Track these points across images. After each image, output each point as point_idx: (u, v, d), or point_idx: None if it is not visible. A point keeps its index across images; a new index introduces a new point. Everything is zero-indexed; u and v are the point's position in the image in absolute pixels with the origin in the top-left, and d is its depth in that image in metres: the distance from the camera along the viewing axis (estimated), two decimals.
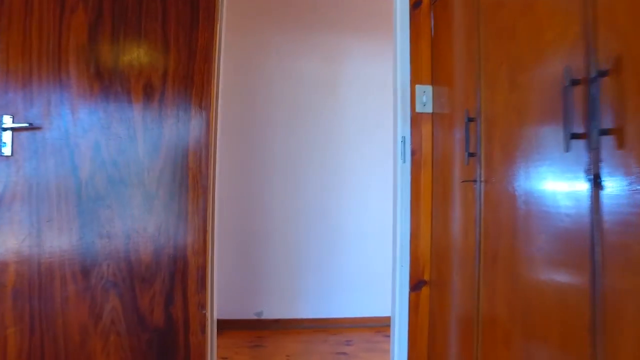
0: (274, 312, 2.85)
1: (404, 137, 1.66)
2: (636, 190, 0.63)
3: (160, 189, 1.53)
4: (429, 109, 1.65)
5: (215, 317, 1.67)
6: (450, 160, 1.46)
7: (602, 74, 0.70)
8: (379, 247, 2.86)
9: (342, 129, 2.97)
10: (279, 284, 2.87)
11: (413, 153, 1.64)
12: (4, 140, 1.42)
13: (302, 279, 2.89)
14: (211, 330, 1.61)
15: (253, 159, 2.94)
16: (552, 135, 0.86)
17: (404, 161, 1.65)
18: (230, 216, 2.85)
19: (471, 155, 1.24)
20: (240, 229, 2.90)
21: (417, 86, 1.65)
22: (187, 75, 1.54)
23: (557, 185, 0.85)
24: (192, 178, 1.57)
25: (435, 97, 1.64)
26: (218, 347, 1.71)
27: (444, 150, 1.53)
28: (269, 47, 2.97)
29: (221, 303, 2.63)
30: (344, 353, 2.38)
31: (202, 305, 1.54)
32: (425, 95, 1.65)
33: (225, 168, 2.92)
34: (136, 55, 1.52)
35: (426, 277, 1.63)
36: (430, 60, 1.67)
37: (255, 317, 2.84)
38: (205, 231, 1.59)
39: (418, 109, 1.65)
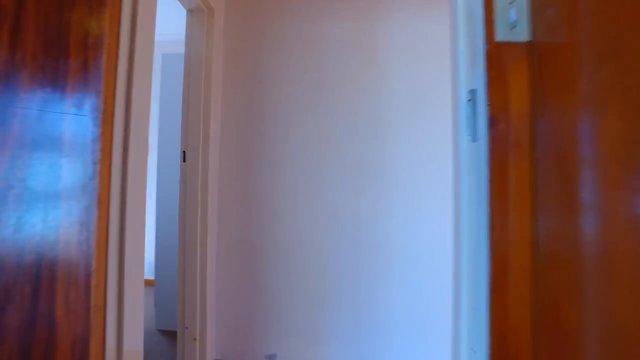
0: (291, 356, 2.13)
1: (472, 92, 0.86)
2: None
3: None
4: (522, 33, 0.83)
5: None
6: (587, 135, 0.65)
7: None
8: (436, 271, 2.05)
9: (381, 109, 2.18)
10: (297, 320, 2.15)
11: (493, 122, 0.84)
12: None
13: (327, 314, 2.15)
14: None
15: (261, 151, 2.24)
16: None
17: (474, 138, 0.86)
18: (232, 228, 2.18)
19: None
20: (246, 245, 2.22)
21: None
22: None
23: None
24: None
25: (538, 9, 0.82)
26: None
27: (567, 115, 0.72)
28: (282, 5, 2.26)
29: (222, 340, 1.97)
30: None
31: None
32: (516, 6, 0.83)
33: (225, 165, 2.25)
34: None
35: None
36: None
37: None
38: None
39: (500, 35, 0.84)
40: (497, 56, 0.86)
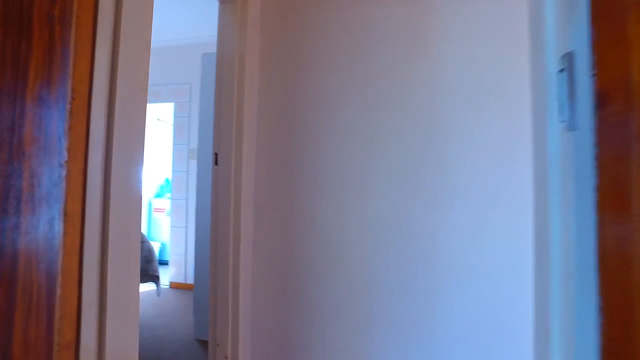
0: None
1: (567, 57, 0.58)
2: None
3: None
4: None
5: None
6: None
7: None
8: (504, 293, 1.73)
9: (437, 104, 1.89)
10: (340, 341, 1.92)
11: (603, 100, 0.55)
12: None
13: (374, 335, 1.88)
14: None
15: (301, 153, 2.03)
16: None
17: (571, 125, 0.57)
18: (270, 237, 1.99)
19: None
20: (284, 257, 2.02)
21: None
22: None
23: None
24: None
25: None
26: None
27: None
28: None
29: None
30: None
31: None
32: None
33: (261, 169, 2.05)
34: None
35: None
36: None
37: None
38: None
39: None
40: (607, 4, 0.57)
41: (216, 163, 1.96)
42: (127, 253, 0.87)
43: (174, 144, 4.49)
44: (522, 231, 1.75)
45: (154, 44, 4.31)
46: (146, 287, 3.86)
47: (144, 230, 5.92)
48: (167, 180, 6.01)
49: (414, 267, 1.87)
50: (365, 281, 1.92)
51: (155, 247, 5.60)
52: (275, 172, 2.06)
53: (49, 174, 0.68)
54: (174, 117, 4.49)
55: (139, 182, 0.93)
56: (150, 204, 6.07)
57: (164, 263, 5.46)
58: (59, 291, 0.69)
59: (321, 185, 1.99)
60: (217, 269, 1.91)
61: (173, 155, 4.49)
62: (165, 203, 5.87)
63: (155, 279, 3.07)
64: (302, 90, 2.05)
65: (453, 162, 1.86)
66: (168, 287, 4.38)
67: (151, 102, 4.52)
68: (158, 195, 6.06)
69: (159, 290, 3.07)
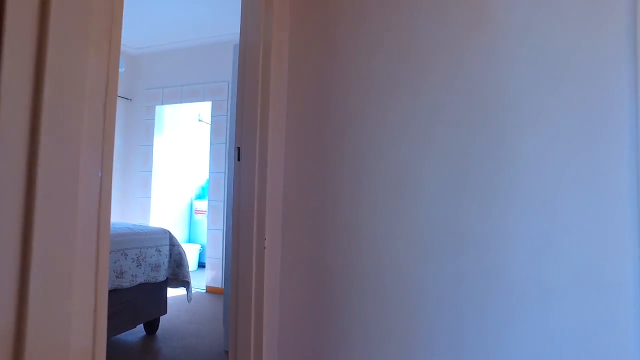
0: None
1: None
2: None
3: None
4: None
5: None
6: None
7: None
8: (588, 318, 1.37)
9: (498, 86, 1.56)
10: None
11: None
12: None
13: None
14: None
15: (335, 149, 1.77)
16: None
17: None
18: (299, 244, 1.74)
19: None
20: (316, 267, 1.76)
21: None
22: None
23: None
24: None
25: None
26: None
27: None
28: None
29: None
30: None
31: None
32: None
33: (291, 166, 1.80)
34: None
35: None
36: None
37: None
38: None
39: None
40: None
41: (238, 158, 1.73)
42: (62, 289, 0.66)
43: (211, 143, 4.38)
44: (616, 242, 1.37)
45: (191, 42, 4.24)
46: (177, 292, 3.74)
47: (184, 233, 5.90)
48: (207, 181, 5.96)
49: (469, 282, 1.54)
50: (411, 296, 1.62)
51: (195, 249, 5.55)
52: (307, 170, 1.81)
53: None
54: (211, 116, 4.38)
55: (94, 189, 0.72)
56: (191, 206, 6.05)
57: (203, 266, 5.38)
58: None
59: (360, 185, 1.71)
60: (239, 277, 1.68)
61: (210, 156, 4.38)
62: (206, 205, 5.81)
63: (185, 284, 2.91)
64: (338, 76, 1.78)
65: (520, 158, 1.51)
66: (204, 291, 4.26)
67: (190, 101, 4.44)
68: (199, 197, 6.02)
69: (189, 296, 2.91)
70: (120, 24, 0.92)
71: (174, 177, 5.54)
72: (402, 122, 1.67)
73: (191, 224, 6.08)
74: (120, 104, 4.64)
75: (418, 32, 1.67)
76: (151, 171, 4.60)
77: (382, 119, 1.70)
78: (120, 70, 3.15)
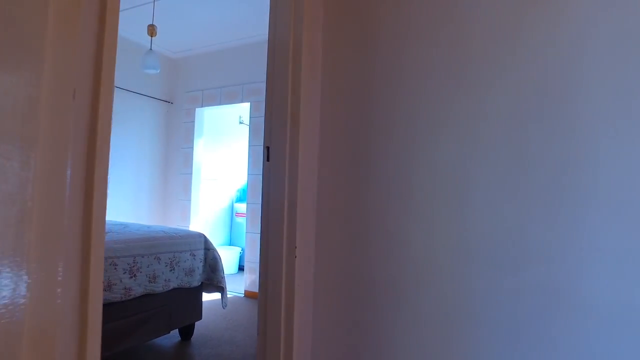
0: None
1: None
2: None
3: None
4: None
5: None
6: None
7: None
8: None
9: (568, 74, 1.32)
10: None
11: None
12: None
13: None
14: None
15: (376, 149, 1.60)
16: None
17: None
18: (335, 255, 1.58)
19: None
20: (354, 280, 1.59)
21: None
22: None
23: None
24: None
25: None
26: None
27: None
28: None
29: None
30: None
31: None
32: None
33: (326, 168, 1.65)
34: None
35: None
36: None
37: None
38: None
39: None
40: None
41: (267, 159, 1.59)
42: None
43: (250, 145, 4.32)
44: None
45: (228, 43, 4.17)
46: (214, 296, 3.68)
47: (225, 235, 5.90)
48: (246, 183, 5.94)
49: (531, 302, 1.31)
50: (459, 316, 1.40)
51: (236, 252, 5.52)
52: (344, 172, 1.64)
53: None
54: (250, 117, 4.31)
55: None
56: (232, 208, 6.05)
57: (244, 269, 5.34)
58: None
59: (404, 189, 1.52)
60: (267, 290, 1.54)
61: (249, 157, 4.31)
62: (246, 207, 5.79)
63: (220, 289, 2.83)
64: (378, 70, 1.60)
65: (590, 156, 1.26)
66: (243, 295, 4.19)
67: (229, 103, 4.41)
68: (240, 200, 6.01)
69: (224, 302, 2.83)
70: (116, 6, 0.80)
71: (214, 179, 5.55)
72: (453, 118, 1.46)
73: (232, 226, 6.08)
74: (161, 107, 4.69)
75: (468, 16, 1.46)
76: (191, 174, 4.61)
77: (426, 116, 1.50)
78: (155, 71, 3.13)
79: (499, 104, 1.39)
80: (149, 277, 2.31)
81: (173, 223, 4.66)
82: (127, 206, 4.31)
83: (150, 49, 3.09)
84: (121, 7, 2.97)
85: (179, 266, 2.54)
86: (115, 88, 4.08)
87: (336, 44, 1.70)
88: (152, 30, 2.83)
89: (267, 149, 1.59)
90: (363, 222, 1.58)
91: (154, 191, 4.65)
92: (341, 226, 1.63)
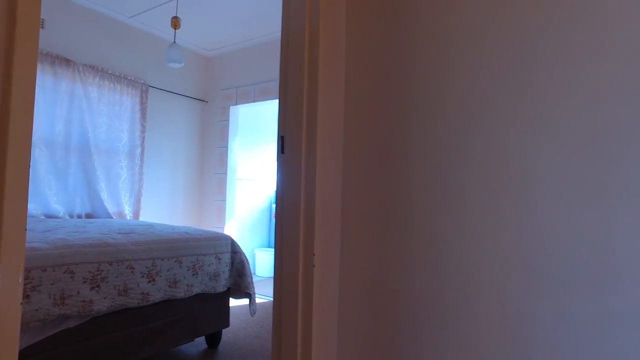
0: None
1: None
2: None
3: None
4: None
5: None
6: None
7: None
8: None
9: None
10: None
11: None
12: None
13: None
14: None
15: (412, 139, 1.33)
16: None
17: None
18: (363, 263, 1.33)
19: None
20: (386, 293, 1.34)
21: None
22: None
23: None
24: None
25: None
26: None
27: None
28: None
29: None
30: None
31: None
32: None
33: (352, 163, 1.39)
34: None
35: None
36: None
37: None
38: None
39: None
40: None
41: (282, 150, 1.37)
42: None
43: None
44: None
45: (260, 38, 3.99)
46: (242, 302, 3.52)
47: (263, 237, 5.77)
48: None
49: (622, 331, 1.00)
50: (517, 344, 1.11)
51: (271, 255, 5.37)
52: (375, 167, 1.39)
53: None
54: None
55: None
56: (270, 209, 5.91)
57: None
58: None
59: (448, 188, 1.24)
60: (281, 304, 1.32)
61: None
62: None
63: (248, 296, 2.65)
64: (412, 41, 1.34)
65: None
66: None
67: (263, 99, 4.25)
68: None
69: (252, 309, 2.64)
70: None
71: (252, 179, 5.43)
72: (516, 98, 1.17)
73: (271, 228, 5.94)
74: (196, 106, 4.63)
75: None
76: (226, 173, 4.51)
77: (474, 97, 1.21)
78: (179, 65, 3.01)
79: (569, 78, 1.08)
80: (169, 282, 2.17)
81: (208, 224, 4.57)
82: (163, 207, 4.27)
83: (174, 42, 2.97)
84: (153, 5, 2.85)
85: (202, 270, 2.38)
86: (151, 88, 4.06)
87: (363, 18, 1.45)
88: (175, 22, 2.71)
89: (281, 139, 1.37)
90: (395, 225, 1.32)
91: (189, 192, 4.59)
92: (370, 229, 1.38)
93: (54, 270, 1.68)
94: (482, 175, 1.18)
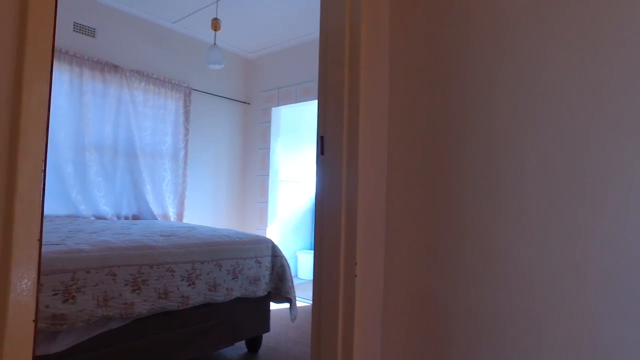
0: None
1: None
2: None
3: None
4: None
5: None
6: None
7: None
8: None
9: None
10: None
11: None
12: None
13: None
14: None
15: (466, 138, 1.20)
16: None
17: None
18: (410, 274, 1.22)
19: None
20: (436, 307, 1.21)
21: None
22: None
23: None
24: None
25: None
26: None
27: None
28: None
29: None
30: None
31: None
32: None
33: (398, 165, 1.28)
34: None
35: None
36: None
37: None
38: None
39: None
40: None
41: (322, 151, 1.29)
42: None
43: None
44: None
45: (301, 38, 3.95)
46: (282, 306, 3.47)
47: (306, 240, 5.73)
48: None
49: None
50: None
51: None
52: (423, 168, 1.27)
53: None
54: None
55: None
56: (313, 211, 5.85)
57: None
58: None
59: (508, 192, 1.11)
60: (321, 315, 1.23)
61: None
62: None
63: (288, 300, 2.59)
64: (469, 31, 1.21)
65: None
66: None
67: (304, 100, 4.21)
68: None
69: (293, 314, 2.58)
70: None
71: (296, 181, 5.40)
72: (574, 94, 1.02)
73: (313, 230, 5.88)
74: (238, 108, 4.65)
75: None
76: (268, 175, 4.50)
77: (541, 91, 1.07)
78: (219, 66, 3.00)
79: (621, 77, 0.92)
80: (209, 285, 2.14)
81: (251, 226, 4.58)
82: (205, 209, 4.33)
83: (214, 43, 2.98)
84: (195, 9, 2.86)
85: (242, 274, 2.34)
86: (194, 91, 4.12)
87: (408, 17, 1.34)
88: (215, 24, 2.70)
89: (320, 140, 1.29)
90: (446, 233, 1.20)
91: (231, 194, 4.62)
92: (417, 238, 1.26)
93: (97, 272, 1.70)
94: (550, 178, 1.04)
